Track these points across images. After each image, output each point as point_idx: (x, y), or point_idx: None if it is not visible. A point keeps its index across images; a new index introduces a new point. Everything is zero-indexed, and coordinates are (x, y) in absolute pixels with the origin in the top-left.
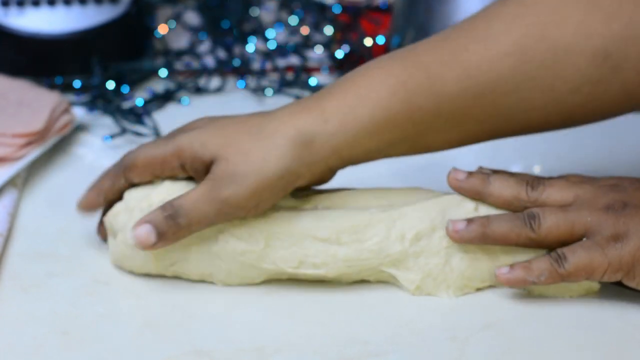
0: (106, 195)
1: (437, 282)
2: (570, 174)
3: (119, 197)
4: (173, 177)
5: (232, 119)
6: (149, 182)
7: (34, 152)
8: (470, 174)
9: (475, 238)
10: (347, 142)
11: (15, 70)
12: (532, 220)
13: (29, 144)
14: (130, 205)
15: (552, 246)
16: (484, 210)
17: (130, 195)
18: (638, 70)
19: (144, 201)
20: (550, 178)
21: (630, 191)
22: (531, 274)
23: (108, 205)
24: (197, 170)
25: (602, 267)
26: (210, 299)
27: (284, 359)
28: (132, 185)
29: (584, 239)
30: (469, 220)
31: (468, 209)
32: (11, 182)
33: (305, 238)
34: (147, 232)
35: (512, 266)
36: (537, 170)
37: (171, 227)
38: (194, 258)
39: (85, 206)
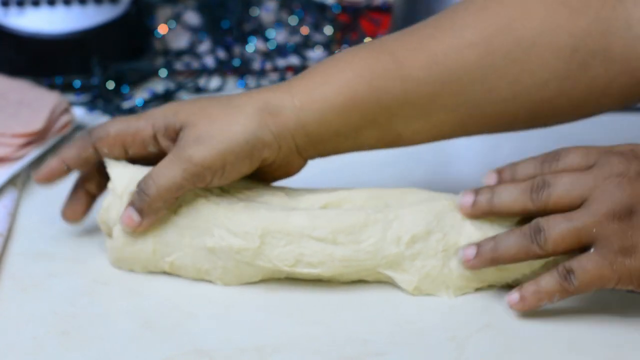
0: (70, 164)
1: (435, 284)
2: (575, 150)
3: (84, 168)
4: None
5: (207, 97)
6: (120, 158)
7: (34, 152)
8: (476, 193)
9: (486, 264)
10: (313, 118)
11: (15, 70)
12: (538, 235)
13: (28, 143)
14: (118, 193)
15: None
16: None
17: (115, 182)
18: (606, 68)
19: (132, 184)
20: (558, 161)
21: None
22: (543, 297)
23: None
24: (169, 140)
25: (612, 281)
26: (210, 298)
27: (284, 359)
28: (99, 164)
29: (592, 249)
30: (478, 246)
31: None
32: (11, 182)
33: (301, 237)
34: (129, 215)
35: (521, 290)
36: None
37: (144, 201)
38: (191, 252)
39: (45, 175)
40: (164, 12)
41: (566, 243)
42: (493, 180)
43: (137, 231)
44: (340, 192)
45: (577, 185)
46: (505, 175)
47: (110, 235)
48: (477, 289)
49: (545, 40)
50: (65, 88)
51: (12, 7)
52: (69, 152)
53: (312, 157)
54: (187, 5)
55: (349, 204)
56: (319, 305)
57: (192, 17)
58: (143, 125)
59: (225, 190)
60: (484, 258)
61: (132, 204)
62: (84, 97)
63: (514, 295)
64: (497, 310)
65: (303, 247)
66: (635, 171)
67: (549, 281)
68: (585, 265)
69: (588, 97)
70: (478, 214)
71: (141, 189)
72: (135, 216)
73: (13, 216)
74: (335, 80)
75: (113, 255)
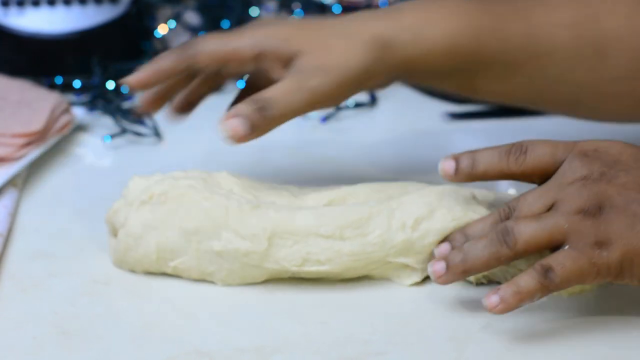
0: (162, 74)
1: None
2: (543, 145)
3: (174, 82)
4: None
5: (304, 20)
6: (148, 176)
7: (34, 152)
8: (456, 159)
9: (458, 277)
10: (416, 56)
11: (15, 70)
12: (507, 237)
13: (28, 144)
14: (129, 200)
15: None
16: (481, 196)
17: (129, 190)
18: None
19: (144, 194)
20: (525, 155)
21: (604, 180)
22: (524, 297)
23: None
24: (272, 65)
25: (591, 275)
26: (210, 299)
27: (284, 359)
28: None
29: (566, 246)
30: (447, 260)
31: (466, 194)
32: (11, 182)
33: (308, 236)
34: (237, 123)
35: (499, 292)
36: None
37: (263, 119)
38: (196, 256)
39: (136, 81)
40: (164, 12)
41: (537, 242)
42: (450, 166)
43: (237, 142)
44: (343, 189)
45: (543, 198)
46: (462, 163)
47: (115, 235)
48: (479, 284)
49: (627, 38)
50: (65, 88)
51: (12, 7)
52: (164, 64)
53: (401, 82)
54: (187, 5)
55: (352, 200)
56: (319, 305)
57: (192, 17)
58: (245, 45)
59: (232, 191)
60: (455, 272)
61: (240, 114)
62: (84, 97)
63: (493, 298)
64: None
65: (310, 246)
66: (599, 172)
67: (528, 281)
68: (563, 261)
69: None
70: (460, 180)
71: (261, 106)
72: (243, 127)
73: (13, 216)
74: (442, 25)
75: (115, 257)
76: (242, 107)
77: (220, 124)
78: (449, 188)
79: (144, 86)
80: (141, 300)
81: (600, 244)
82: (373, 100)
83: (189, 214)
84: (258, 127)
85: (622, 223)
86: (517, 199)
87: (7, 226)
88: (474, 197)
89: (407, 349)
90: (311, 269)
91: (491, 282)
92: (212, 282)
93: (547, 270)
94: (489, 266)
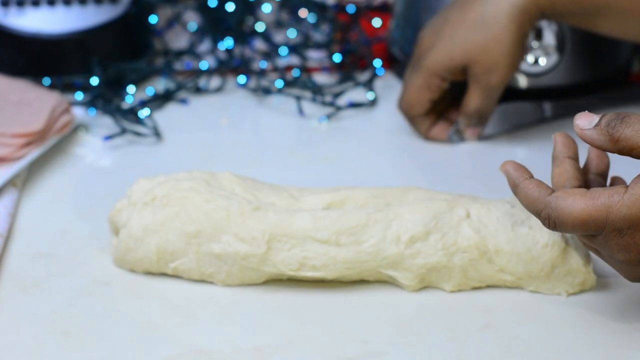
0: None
1: (435, 281)
2: None
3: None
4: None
5: (448, 21)
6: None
7: (34, 152)
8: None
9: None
10: (547, 3)
11: (15, 70)
12: (613, 130)
13: (28, 144)
14: (132, 200)
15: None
16: (475, 215)
17: (133, 191)
18: None
19: (147, 195)
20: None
21: None
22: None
23: None
24: (455, 75)
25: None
26: (210, 299)
27: (284, 359)
28: None
29: None
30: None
31: (460, 215)
32: (11, 182)
33: (305, 239)
34: (474, 132)
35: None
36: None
37: (482, 120)
38: (196, 258)
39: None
40: (164, 12)
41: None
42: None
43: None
44: (342, 192)
45: None
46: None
47: (116, 234)
48: (475, 288)
49: None
50: (65, 88)
51: (12, 7)
52: (418, 128)
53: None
54: (187, 5)
55: (351, 204)
56: (319, 306)
57: (192, 17)
58: (428, 79)
59: (233, 191)
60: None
61: (470, 123)
62: (84, 97)
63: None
64: (497, 310)
65: (307, 250)
66: None
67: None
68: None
69: None
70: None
71: (480, 116)
72: (477, 131)
73: (13, 216)
74: None
75: (115, 256)
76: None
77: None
78: (445, 205)
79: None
80: (141, 300)
81: None
82: (373, 100)
83: (190, 217)
84: (482, 124)
85: None
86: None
87: (7, 226)
88: (468, 216)
89: (407, 349)
90: (307, 274)
91: (489, 286)
92: (212, 282)
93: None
94: (592, 139)
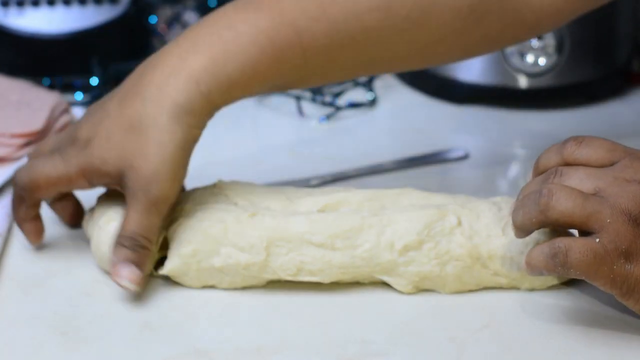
0: (27, 222)
1: (430, 286)
2: (602, 142)
3: (37, 215)
4: None
5: (108, 116)
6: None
7: None
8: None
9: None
10: (222, 98)
11: (15, 70)
12: (542, 199)
13: (28, 144)
14: (94, 217)
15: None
16: (466, 222)
17: (95, 210)
18: (500, 20)
19: (110, 211)
20: (580, 144)
21: None
22: (532, 269)
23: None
24: (106, 183)
25: (603, 278)
26: (210, 299)
27: (284, 359)
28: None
29: (597, 238)
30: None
31: (452, 223)
32: (11, 182)
33: (301, 243)
34: (129, 271)
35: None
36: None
37: (141, 254)
38: (196, 275)
39: (35, 240)
40: (164, 12)
41: (573, 219)
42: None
43: (140, 284)
44: (338, 194)
45: (592, 178)
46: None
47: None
48: (474, 290)
49: (445, 2)
50: (65, 88)
51: (12, 7)
52: (20, 214)
53: None
54: (187, 5)
55: (346, 206)
56: (319, 306)
57: (192, 17)
58: (74, 175)
59: (228, 197)
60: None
61: (123, 258)
62: (83, 97)
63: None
64: (497, 310)
65: (303, 255)
66: None
67: (537, 254)
68: (585, 251)
69: (481, 45)
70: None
71: (135, 243)
72: (136, 271)
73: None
74: (237, 58)
75: (101, 263)
76: (119, 251)
77: (114, 277)
78: (437, 213)
79: (40, 237)
80: (141, 300)
81: (629, 255)
82: (373, 100)
83: (187, 238)
84: (143, 263)
85: None
86: (571, 167)
87: (7, 226)
88: (459, 224)
89: (407, 349)
90: (304, 279)
91: (486, 288)
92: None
93: (559, 253)
94: (524, 227)
